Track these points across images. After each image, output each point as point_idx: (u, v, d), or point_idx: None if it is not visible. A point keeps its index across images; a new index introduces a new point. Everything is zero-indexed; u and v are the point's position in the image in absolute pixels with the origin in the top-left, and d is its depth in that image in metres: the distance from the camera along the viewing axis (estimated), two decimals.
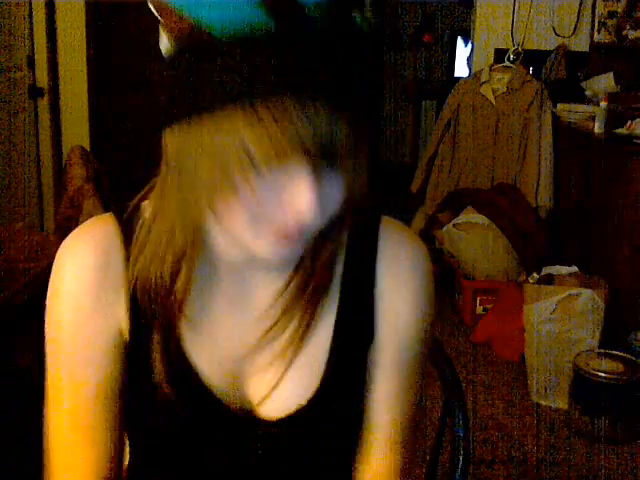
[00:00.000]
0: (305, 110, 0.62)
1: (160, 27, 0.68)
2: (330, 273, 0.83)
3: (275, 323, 0.81)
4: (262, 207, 0.67)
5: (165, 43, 0.68)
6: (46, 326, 0.83)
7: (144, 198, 0.84)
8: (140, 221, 0.82)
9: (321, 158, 0.65)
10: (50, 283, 0.82)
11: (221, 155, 0.64)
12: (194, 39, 0.64)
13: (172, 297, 0.78)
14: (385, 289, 0.85)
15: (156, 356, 0.81)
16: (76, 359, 0.81)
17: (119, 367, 0.83)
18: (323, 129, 0.63)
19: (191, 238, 0.76)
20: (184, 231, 0.75)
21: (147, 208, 0.82)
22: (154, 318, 0.80)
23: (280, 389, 0.83)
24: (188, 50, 0.65)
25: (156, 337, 0.81)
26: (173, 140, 0.68)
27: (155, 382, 0.81)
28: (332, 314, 0.83)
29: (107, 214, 0.84)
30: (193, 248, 0.77)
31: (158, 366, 0.81)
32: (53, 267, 0.82)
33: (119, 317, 0.82)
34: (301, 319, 0.82)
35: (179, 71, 0.66)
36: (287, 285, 0.82)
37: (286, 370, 0.82)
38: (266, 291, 0.83)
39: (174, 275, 0.77)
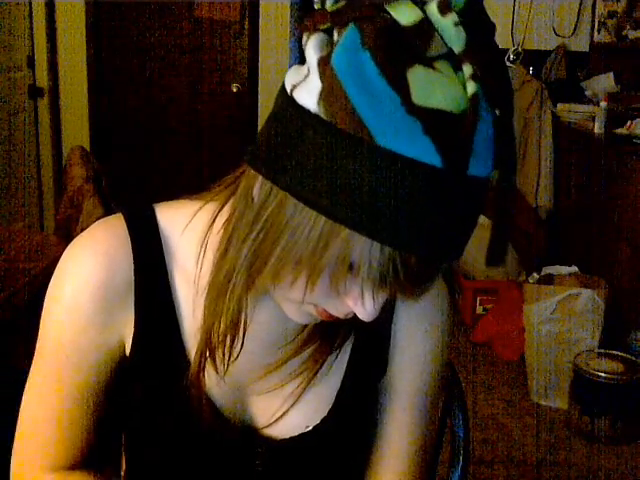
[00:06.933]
0: (418, 258, 0.60)
1: (307, 82, 0.61)
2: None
3: (290, 355, 0.81)
4: (323, 297, 0.66)
5: (313, 105, 0.60)
6: (41, 323, 0.81)
7: (152, 201, 0.82)
8: (170, 240, 0.79)
9: (411, 286, 0.64)
10: (51, 285, 0.80)
11: (324, 250, 0.60)
12: (353, 128, 0.58)
13: (235, 331, 0.75)
14: (402, 325, 0.85)
15: (163, 369, 0.81)
16: (65, 362, 0.80)
17: (108, 375, 0.81)
18: (426, 275, 0.63)
19: (257, 286, 0.71)
20: (252, 281, 0.69)
21: (169, 222, 0.80)
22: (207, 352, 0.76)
23: (288, 416, 0.82)
24: (348, 138, 0.58)
25: (167, 352, 0.80)
26: (274, 194, 0.63)
27: (158, 393, 0.81)
28: (348, 346, 0.83)
29: (117, 217, 0.80)
30: (251, 290, 0.72)
31: (163, 379, 0.81)
32: (56, 270, 0.80)
33: (120, 327, 0.80)
34: (315, 354, 0.81)
35: (322, 149, 0.59)
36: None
37: (297, 398, 0.82)
38: (286, 323, 0.80)
39: (238, 313, 0.73)
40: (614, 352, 2.79)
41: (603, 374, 2.66)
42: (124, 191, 3.67)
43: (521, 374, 3.10)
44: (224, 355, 0.76)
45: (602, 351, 2.80)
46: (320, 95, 0.59)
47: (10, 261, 1.95)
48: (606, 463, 2.59)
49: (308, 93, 0.60)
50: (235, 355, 0.76)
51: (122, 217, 0.80)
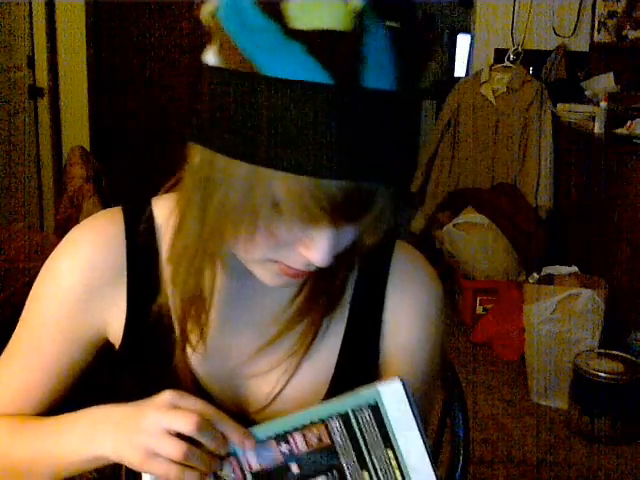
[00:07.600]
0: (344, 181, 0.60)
1: (212, 42, 0.65)
2: (340, 292, 0.83)
3: (278, 333, 0.81)
4: (275, 249, 0.67)
5: (213, 59, 0.64)
6: (30, 295, 0.85)
7: (152, 194, 0.85)
8: (163, 229, 0.82)
9: (346, 219, 0.64)
10: (47, 263, 0.84)
11: (251, 196, 0.62)
12: (240, 66, 0.61)
13: (199, 304, 0.77)
14: (393, 312, 0.85)
15: (154, 355, 0.82)
16: (44, 335, 0.83)
17: (85, 357, 0.85)
18: (359, 199, 0.62)
19: (209, 252, 0.73)
20: (203, 247, 0.72)
21: (162, 212, 0.83)
22: (179, 328, 0.79)
23: (281, 399, 0.82)
24: (238, 76, 0.61)
25: (156, 337, 0.81)
26: (205, 157, 0.65)
27: (150, 379, 0.82)
28: (340, 333, 0.84)
29: (116, 209, 0.84)
30: (211, 260, 0.74)
31: (154, 364, 0.82)
32: (55, 250, 0.84)
33: (108, 314, 0.83)
34: (305, 333, 0.82)
35: (223, 96, 0.62)
36: (294, 298, 0.82)
37: (290, 376, 0.82)
38: (272, 301, 0.82)
39: (198, 285, 0.75)
40: (614, 352, 2.79)
41: (603, 374, 2.66)
42: (124, 191, 3.67)
43: (521, 374, 3.10)
44: (195, 328, 0.78)
45: (602, 351, 2.80)
46: (216, 48, 0.63)
47: (10, 261, 1.95)
48: (606, 463, 2.59)
49: (210, 52, 0.64)
50: (203, 327, 0.77)
51: (120, 208, 0.84)
